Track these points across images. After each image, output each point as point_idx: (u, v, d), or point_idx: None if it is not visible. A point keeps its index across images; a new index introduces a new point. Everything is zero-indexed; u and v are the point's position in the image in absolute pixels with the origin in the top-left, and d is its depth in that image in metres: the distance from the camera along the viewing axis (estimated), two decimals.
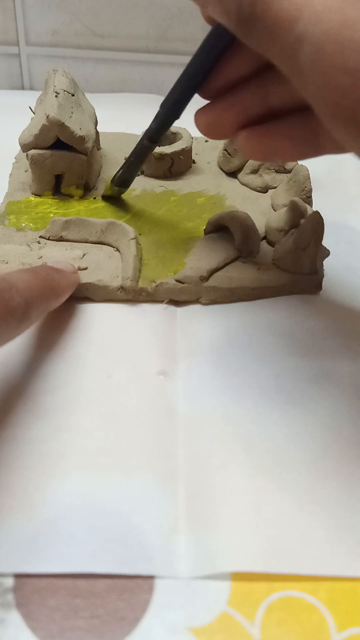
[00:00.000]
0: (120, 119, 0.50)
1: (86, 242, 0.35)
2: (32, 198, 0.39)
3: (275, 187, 0.40)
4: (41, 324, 0.31)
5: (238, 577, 0.21)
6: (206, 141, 0.46)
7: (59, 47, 0.55)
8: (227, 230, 0.35)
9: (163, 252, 0.35)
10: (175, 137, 0.42)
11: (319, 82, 0.20)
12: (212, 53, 0.27)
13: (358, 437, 0.26)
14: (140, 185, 0.41)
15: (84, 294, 0.32)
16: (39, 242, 0.35)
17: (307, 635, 0.20)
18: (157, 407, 0.27)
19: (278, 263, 0.34)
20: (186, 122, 0.45)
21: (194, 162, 0.43)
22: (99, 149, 0.43)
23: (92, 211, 0.38)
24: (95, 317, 0.32)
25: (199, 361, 0.29)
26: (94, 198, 0.39)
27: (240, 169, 0.42)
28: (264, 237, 0.36)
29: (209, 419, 0.27)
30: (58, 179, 0.39)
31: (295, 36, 0.20)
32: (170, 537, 0.22)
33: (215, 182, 0.42)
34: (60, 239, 0.35)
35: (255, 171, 0.41)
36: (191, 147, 0.41)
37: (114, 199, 0.39)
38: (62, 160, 0.37)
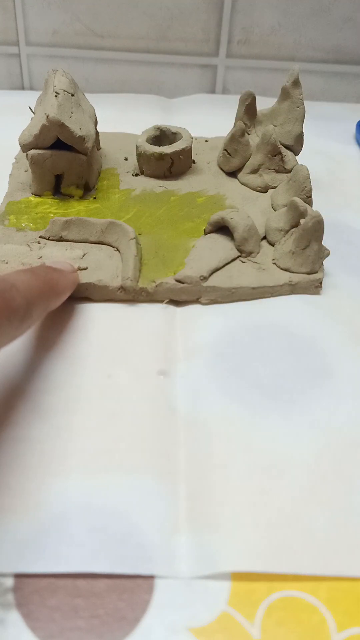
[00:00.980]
0: (120, 119, 0.50)
1: (86, 242, 0.35)
2: (32, 198, 0.39)
3: (275, 187, 0.40)
4: (41, 324, 0.31)
5: (238, 577, 0.21)
6: (206, 141, 0.46)
7: (59, 47, 0.56)
8: (227, 230, 0.35)
9: (163, 252, 0.35)
10: (175, 137, 0.43)
11: None
12: None
13: (358, 437, 0.26)
14: (140, 185, 0.41)
15: (84, 294, 0.32)
16: (39, 242, 0.35)
17: (307, 635, 0.20)
18: (157, 407, 0.27)
19: (278, 263, 0.34)
20: (186, 122, 0.46)
21: (193, 162, 0.43)
22: (99, 149, 0.43)
23: (92, 211, 0.38)
24: (96, 317, 0.32)
25: (199, 361, 0.29)
26: (94, 198, 0.39)
27: (240, 169, 0.42)
28: (264, 237, 0.36)
29: (208, 419, 0.27)
30: (58, 179, 0.39)
31: None
32: (170, 537, 0.22)
33: (215, 182, 0.42)
34: (60, 239, 0.35)
35: (255, 171, 0.41)
36: (191, 147, 0.42)
37: None
38: (62, 160, 0.37)
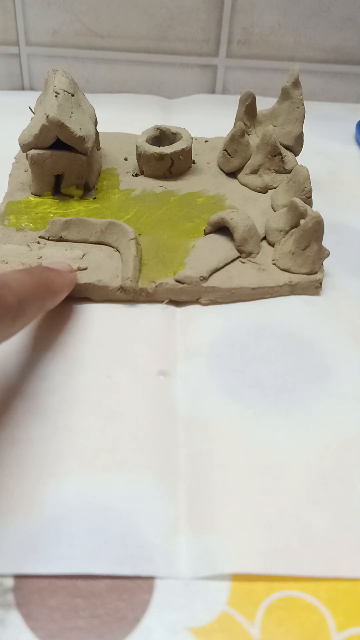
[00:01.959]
0: (120, 119, 0.50)
1: (86, 242, 0.35)
2: (32, 198, 0.39)
3: (275, 187, 0.40)
4: (41, 324, 0.31)
5: (238, 577, 0.21)
6: (206, 141, 0.46)
7: (59, 47, 0.56)
8: (227, 230, 0.35)
9: (163, 252, 0.35)
10: (175, 137, 0.43)
11: None
12: None
13: (358, 438, 0.26)
14: (140, 185, 0.41)
15: (83, 294, 0.32)
16: (38, 242, 0.35)
17: (307, 635, 0.20)
18: (157, 407, 0.27)
19: (278, 263, 0.34)
20: (186, 122, 0.46)
21: (193, 162, 0.43)
22: (99, 149, 0.43)
23: (91, 211, 0.38)
24: (95, 317, 0.32)
25: (199, 361, 0.29)
26: (94, 198, 0.39)
27: (240, 169, 0.42)
28: (264, 237, 0.36)
29: (208, 419, 0.27)
30: (58, 179, 0.39)
31: None
32: (170, 538, 0.22)
33: (215, 182, 0.42)
34: (60, 239, 0.35)
35: (255, 171, 0.41)
36: (191, 147, 0.42)
37: None
38: (61, 160, 0.37)
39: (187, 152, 0.41)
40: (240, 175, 0.42)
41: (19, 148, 0.40)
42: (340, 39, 0.56)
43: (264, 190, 0.41)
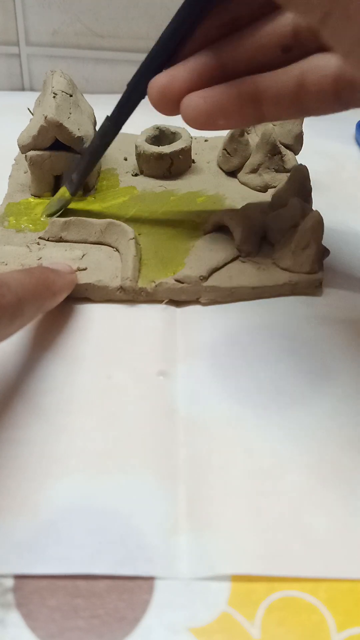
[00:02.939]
0: None
1: (85, 243, 0.35)
2: (32, 199, 0.39)
3: (274, 187, 0.40)
4: (40, 325, 0.31)
5: (238, 577, 0.21)
6: (205, 141, 0.46)
7: (59, 47, 0.56)
8: (227, 230, 0.35)
9: (163, 252, 0.35)
10: (174, 136, 0.43)
11: None
12: (185, 23, 0.27)
13: (358, 439, 0.26)
14: (140, 185, 0.41)
15: (83, 295, 0.32)
16: (38, 243, 0.35)
17: (307, 635, 0.20)
18: (157, 407, 0.27)
19: (278, 263, 0.34)
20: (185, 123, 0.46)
21: (193, 161, 0.43)
22: None
23: (91, 212, 0.38)
24: (95, 317, 0.32)
25: (199, 362, 0.29)
26: (93, 198, 0.39)
27: (239, 169, 0.42)
28: (264, 237, 0.36)
29: (209, 420, 0.27)
30: (57, 180, 0.39)
31: None
32: (170, 538, 0.22)
33: (214, 182, 0.42)
34: (60, 240, 0.35)
35: (254, 170, 0.41)
36: (190, 146, 0.42)
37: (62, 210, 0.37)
38: (61, 161, 0.37)
39: (186, 152, 0.41)
40: (240, 175, 0.42)
41: (18, 149, 0.40)
42: None
43: (263, 189, 0.41)
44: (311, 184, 0.37)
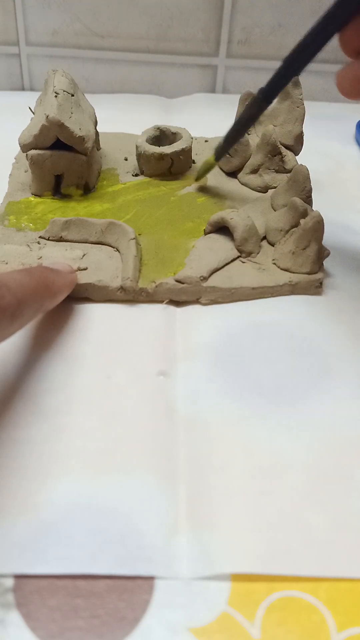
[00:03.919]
0: (120, 119, 0.50)
1: (86, 243, 0.35)
2: (32, 198, 0.39)
3: (275, 187, 0.40)
4: (41, 325, 0.31)
5: (238, 577, 0.21)
6: (206, 141, 0.46)
7: (59, 47, 0.56)
8: (227, 230, 0.35)
9: (163, 252, 0.35)
10: (175, 137, 0.43)
11: None
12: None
13: (358, 438, 0.26)
14: (141, 185, 0.41)
15: (83, 295, 0.32)
16: (38, 243, 0.35)
17: (307, 635, 0.20)
18: (157, 407, 0.27)
19: (278, 263, 0.34)
20: (186, 122, 0.46)
21: (193, 162, 0.43)
22: (98, 149, 0.43)
23: (91, 212, 0.38)
24: (95, 317, 0.32)
25: (199, 361, 0.29)
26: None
27: (240, 169, 0.42)
28: (264, 237, 0.36)
29: (209, 420, 0.27)
30: (58, 179, 0.39)
31: None
32: (170, 538, 0.22)
33: (215, 182, 0.42)
34: (60, 240, 0.35)
35: (255, 171, 0.41)
36: (191, 147, 0.42)
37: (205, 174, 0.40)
38: (61, 160, 0.37)
39: (187, 152, 0.41)
40: (240, 175, 0.42)
41: (19, 148, 0.40)
42: None
43: (264, 190, 0.41)
44: (311, 184, 0.37)
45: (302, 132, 0.41)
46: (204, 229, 0.36)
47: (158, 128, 0.42)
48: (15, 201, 0.38)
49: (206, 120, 0.50)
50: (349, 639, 0.20)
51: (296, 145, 0.42)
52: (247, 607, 0.21)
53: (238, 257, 0.34)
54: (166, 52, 0.56)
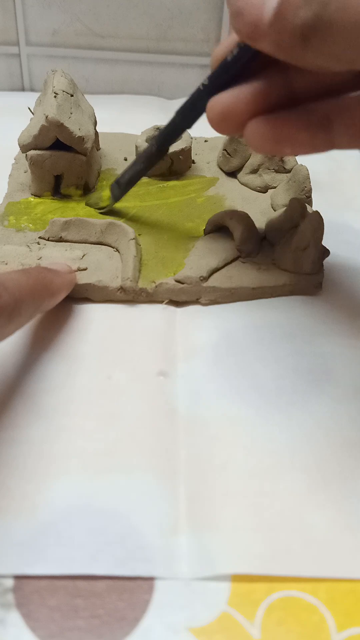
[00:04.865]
0: (120, 119, 0.50)
1: (86, 243, 0.35)
2: (32, 199, 0.39)
3: (275, 187, 0.40)
4: (41, 325, 0.31)
5: (238, 577, 0.22)
6: (205, 141, 0.46)
7: (59, 47, 0.55)
8: (227, 230, 0.35)
9: (163, 252, 0.35)
10: None
11: None
12: (232, 70, 0.26)
13: (358, 438, 0.26)
14: (141, 185, 0.41)
15: (83, 295, 0.32)
16: (38, 243, 0.35)
17: (307, 635, 0.20)
18: (157, 408, 0.27)
19: (278, 263, 0.34)
20: None
21: (193, 162, 0.43)
22: (98, 149, 0.43)
23: (91, 212, 0.38)
24: (95, 317, 0.32)
25: (199, 362, 0.29)
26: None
27: (239, 169, 0.42)
28: (264, 237, 0.36)
29: (209, 420, 0.27)
30: (57, 179, 0.39)
31: None
32: (170, 538, 0.22)
33: (215, 182, 0.41)
34: (60, 240, 0.35)
35: (254, 171, 0.41)
36: (190, 147, 0.42)
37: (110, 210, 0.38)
38: (61, 160, 0.37)
39: (186, 152, 0.41)
40: (240, 175, 0.42)
41: (18, 149, 0.40)
42: None
43: (263, 189, 0.41)
44: (311, 184, 0.37)
45: None
46: (204, 229, 0.36)
47: (158, 128, 0.42)
48: (14, 201, 0.38)
49: (206, 120, 0.50)
50: (349, 639, 0.20)
51: None
52: (247, 607, 0.21)
53: (238, 257, 0.34)
54: (166, 52, 0.56)
